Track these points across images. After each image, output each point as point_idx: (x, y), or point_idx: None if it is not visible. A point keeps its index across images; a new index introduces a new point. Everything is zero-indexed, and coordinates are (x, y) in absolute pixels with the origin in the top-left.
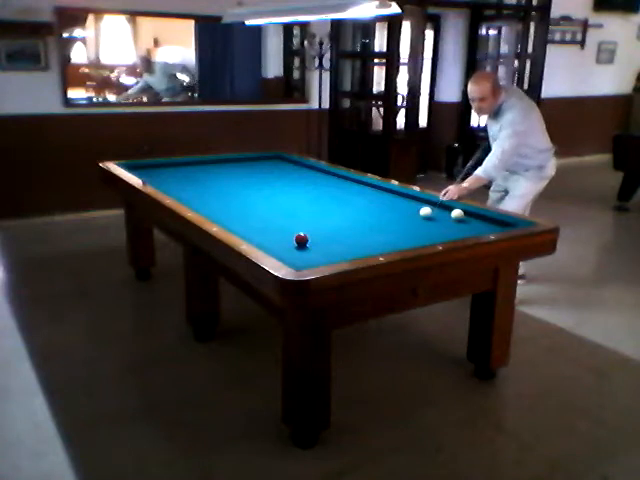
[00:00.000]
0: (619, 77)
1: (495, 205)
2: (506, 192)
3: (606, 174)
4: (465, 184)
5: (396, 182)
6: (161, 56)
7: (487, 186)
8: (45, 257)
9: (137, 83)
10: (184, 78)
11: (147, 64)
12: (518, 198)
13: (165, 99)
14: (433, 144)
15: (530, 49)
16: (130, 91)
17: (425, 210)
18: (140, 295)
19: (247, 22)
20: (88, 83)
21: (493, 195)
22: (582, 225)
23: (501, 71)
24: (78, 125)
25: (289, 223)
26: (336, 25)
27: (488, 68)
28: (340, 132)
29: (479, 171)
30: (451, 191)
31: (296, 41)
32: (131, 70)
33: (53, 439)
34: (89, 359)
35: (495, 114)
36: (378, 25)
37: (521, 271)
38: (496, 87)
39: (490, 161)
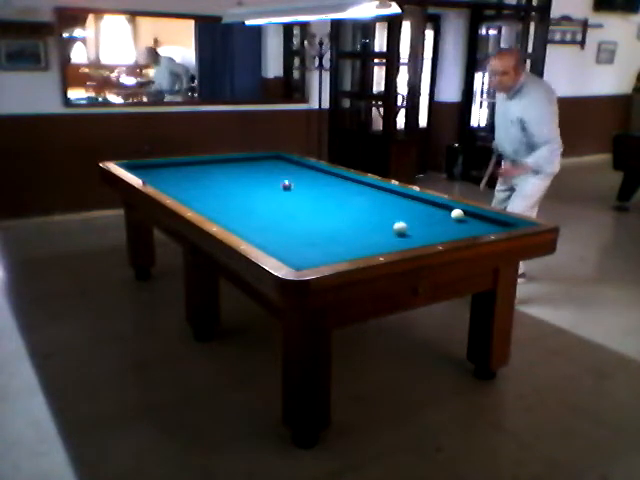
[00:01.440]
0: (619, 77)
1: (501, 205)
2: (512, 190)
3: (606, 174)
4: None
5: (396, 182)
6: (167, 51)
7: (492, 185)
8: (45, 257)
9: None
10: (184, 78)
11: (153, 55)
12: (526, 197)
13: (167, 97)
14: (433, 144)
15: (530, 49)
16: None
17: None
18: (140, 295)
19: (247, 22)
20: (88, 83)
21: (499, 195)
22: (582, 225)
23: None
24: (78, 125)
25: (289, 223)
26: (336, 25)
27: (488, 68)
28: (340, 132)
29: (530, 160)
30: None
31: (296, 41)
32: (131, 70)
33: (53, 439)
34: (89, 359)
35: (513, 95)
36: (378, 25)
37: (521, 270)
38: (518, 65)
39: (542, 155)
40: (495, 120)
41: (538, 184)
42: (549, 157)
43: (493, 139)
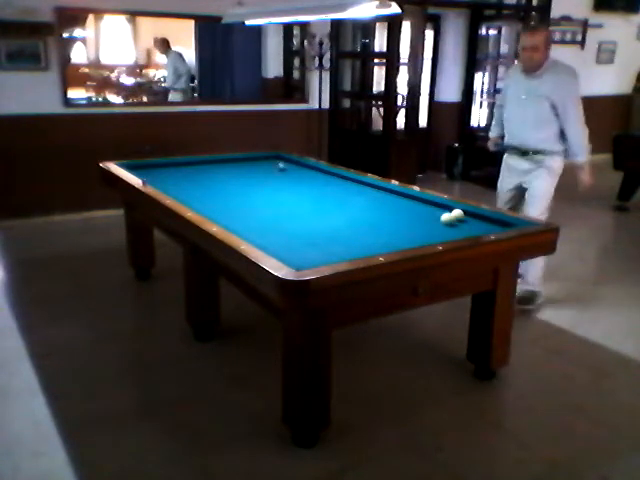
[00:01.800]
0: (619, 77)
1: (506, 206)
2: (519, 190)
3: (606, 174)
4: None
5: (396, 182)
6: (177, 47)
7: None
8: (45, 257)
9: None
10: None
11: (163, 46)
12: (543, 198)
13: (171, 95)
14: (433, 144)
15: None
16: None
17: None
18: (140, 295)
19: (247, 22)
20: (88, 83)
21: (504, 196)
22: (582, 225)
23: (501, 71)
24: (78, 125)
25: (289, 223)
26: (336, 25)
27: (488, 68)
28: (340, 132)
29: (581, 158)
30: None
31: (296, 41)
32: (131, 70)
33: (53, 439)
34: (89, 359)
35: (541, 73)
36: (378, 25)
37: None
38: (549, 43)
39: (582, 143)
40: (505, 101)
41: (551, 182)
42: (586, 140)
43: (488, 138)
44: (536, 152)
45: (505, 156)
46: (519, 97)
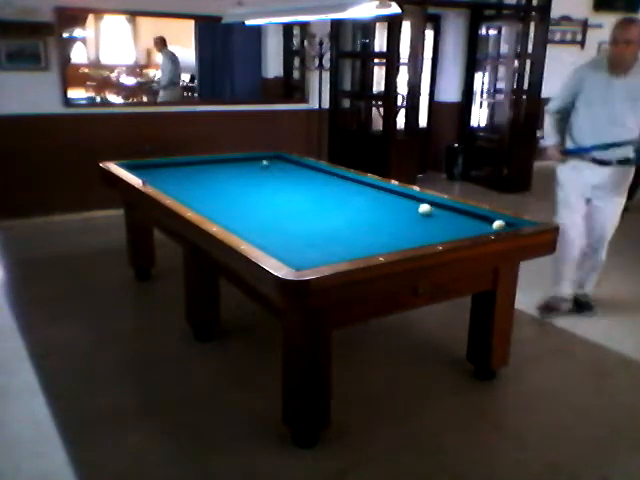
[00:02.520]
0: None
1: (583, 221)
2: (586, 203)
3: None
4: None
5: (396, 182)
6: (176, 47)
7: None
8: (45, 257)
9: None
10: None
11: (159, 45)
12: (616, 219)
13: (162, 95)
14: (433, 144)
15: (530, 49)
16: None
17: (424, 207)
18: (140, 295)
19: (247, 22)
20: (88, 83)
21: (579, 211)
22: None
23: (501, 71)
24: (78, 125)
25: (289, 223)
26: (336, 25)
27: (488, 68)
28: (340, 132)
29: None
30: None
31: (296, 41)
32: (131, 70)
33: (53, 439)
34: (89, 359)
35: (630, 73)
36: (378, 25)
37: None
38: None
39: None
40: (566, 103)
41: (623, 200)
42: None
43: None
44: (621, 161)
45: (571, 163)
46: (606, 100)
